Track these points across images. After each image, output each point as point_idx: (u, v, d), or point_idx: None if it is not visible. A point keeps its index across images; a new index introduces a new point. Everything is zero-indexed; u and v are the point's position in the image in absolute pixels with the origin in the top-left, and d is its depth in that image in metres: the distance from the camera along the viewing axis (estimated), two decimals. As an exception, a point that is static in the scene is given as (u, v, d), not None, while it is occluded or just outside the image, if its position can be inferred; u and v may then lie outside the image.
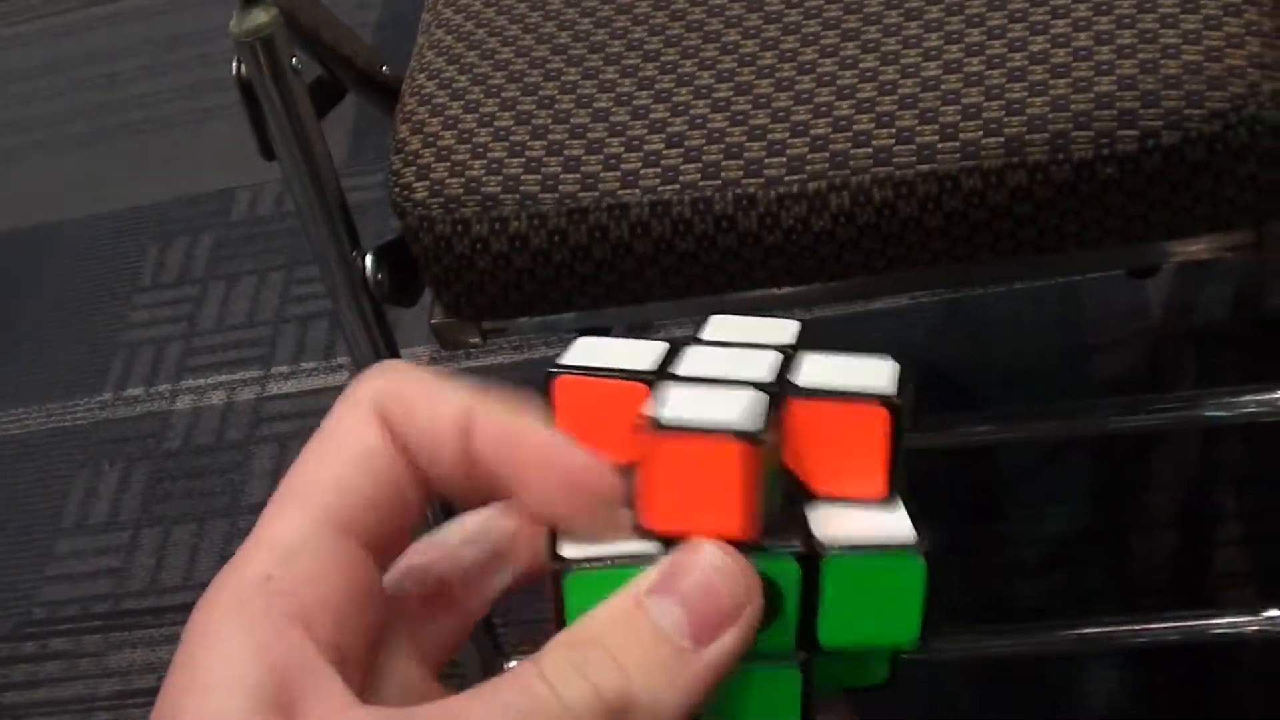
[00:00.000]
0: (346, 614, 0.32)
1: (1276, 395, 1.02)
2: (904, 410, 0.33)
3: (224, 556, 1.35)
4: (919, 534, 0.33)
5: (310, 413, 1.45)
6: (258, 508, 1.26)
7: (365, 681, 0.32)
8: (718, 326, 0.37)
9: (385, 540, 0.33)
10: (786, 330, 0.36)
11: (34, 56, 1.94)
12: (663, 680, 0.30)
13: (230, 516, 1.39)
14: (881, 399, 0.33)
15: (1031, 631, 1.12)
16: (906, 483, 0.33)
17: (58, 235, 1.71)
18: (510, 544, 0.35)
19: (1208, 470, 1.21)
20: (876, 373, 0.34)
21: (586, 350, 0.35)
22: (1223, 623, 1.07)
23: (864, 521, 0.33)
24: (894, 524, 0.33)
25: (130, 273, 1.63)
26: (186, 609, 1.13)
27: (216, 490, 1.42)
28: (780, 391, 0.33)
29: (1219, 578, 1.16)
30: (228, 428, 1.47)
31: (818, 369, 0.34)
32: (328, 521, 0.32)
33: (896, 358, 0.34)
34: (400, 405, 0.33)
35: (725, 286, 0.84)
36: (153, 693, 1.17)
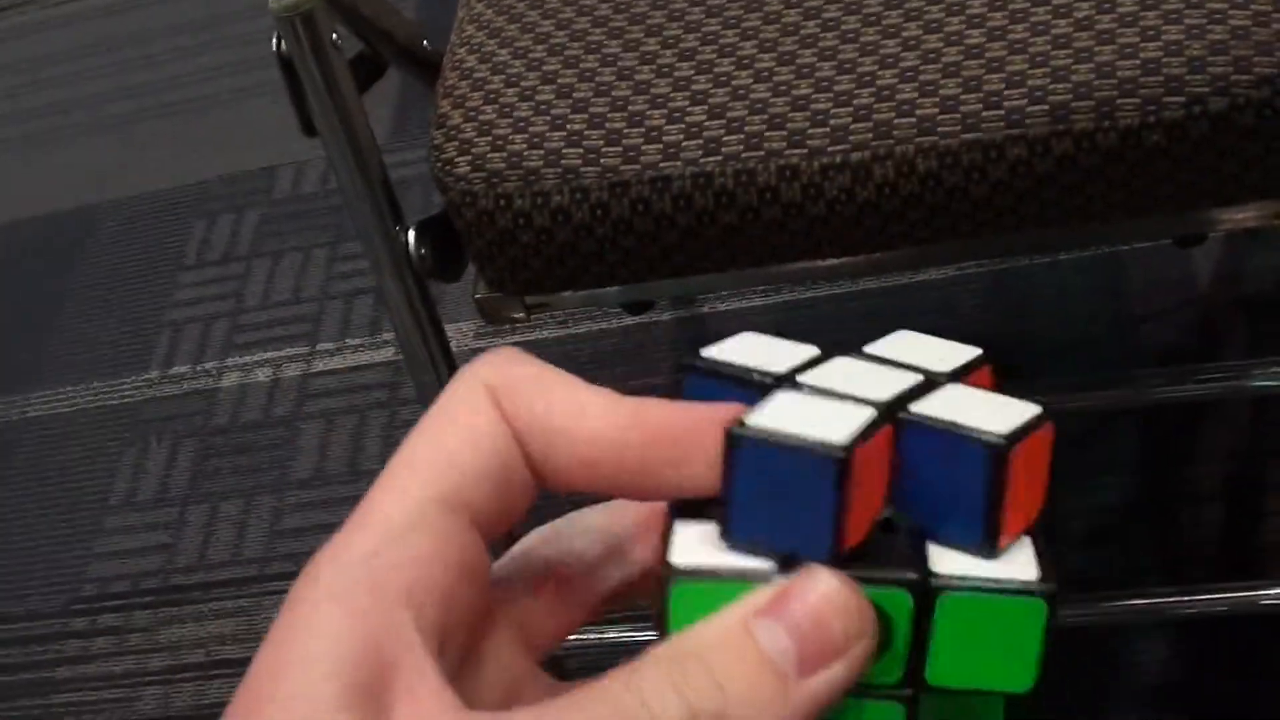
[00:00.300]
0: (454, 595, 0.30)
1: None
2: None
3: (272, 533, 1.36)
4: (1043, 573, 0.30)
5: (356, 388, 1.46)
6: (305, 483, 1.27)
7: (464, 665, 0.31)
8: (892, 343, 0.35)
9: (495, 521, 0.32)
10: (958, 356, 0.34)
11: (73, 38, 1.95)
12: (761, 708, 0.29)
13: (278, 492, 1.40)
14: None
15: (1081, 603, 1.12)
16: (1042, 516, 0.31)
17: (102, 215, 1.72)
18: (629, 541, 0.34)
19: (1255, 441, 1.20)
20: (1007, 414, 0.31)
21: (739, 347, 0.34)
22: (1271, 594, 1.07)
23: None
24: (1018, 559, 0.31)
25: (175, 251, 1.64)
26: (235, 584, 1.14)
27: (263, 466, 1.43)
28: (892, 416, 0.31)
29: (1267, 549, 1.15)
30: (274, 404, 1.47)
31: (945, 401, 0.32)
32: (438, 499, 0.31)
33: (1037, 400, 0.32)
34: (515, 389, 0.32)
35: (769, 258, 0.83)
36: (202, 668, 1.18)
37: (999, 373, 0.32)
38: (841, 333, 1.34)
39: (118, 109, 1.84)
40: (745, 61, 0.83)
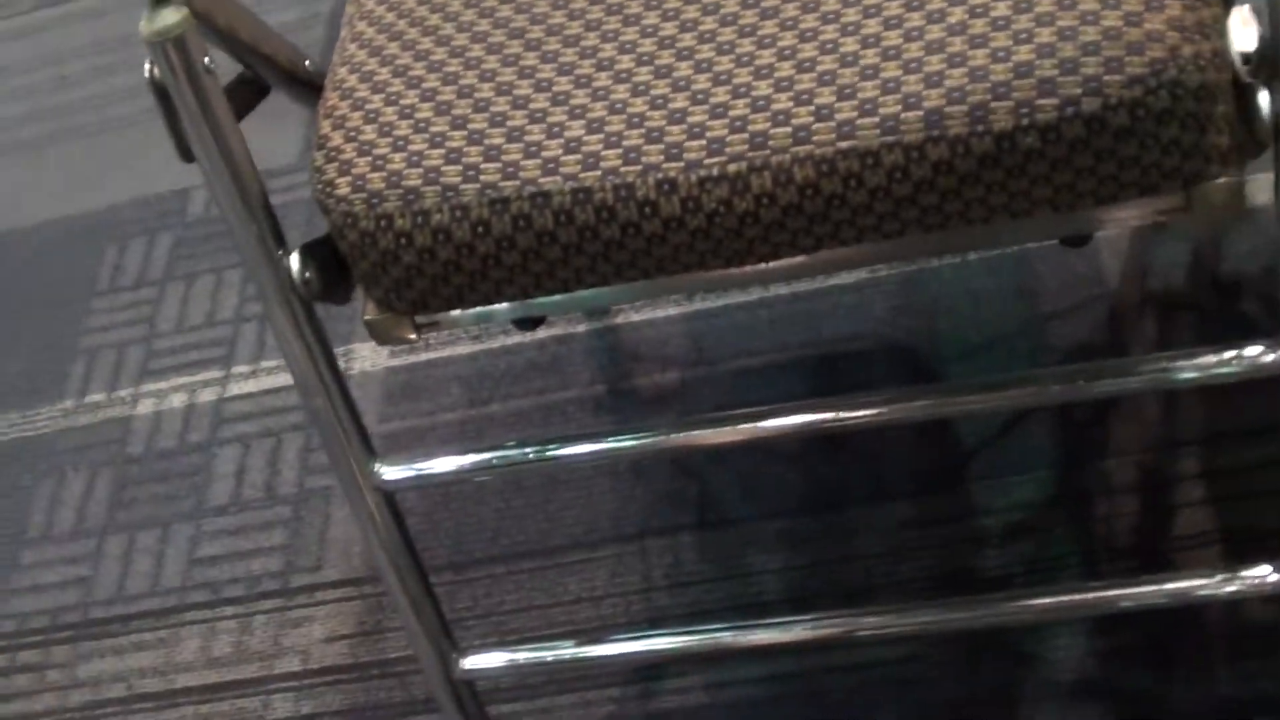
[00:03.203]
0: None
1: (1231, 355, 1.01)
2: None
3: (190, 561, 1.35)
4: None
5: (271, 411, 1.45)
6: (222, 510, 1.25)
7: None
8: None
9: None
10: None
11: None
12: None
13: (195, 519, 1.39)
14: None
15: (997, 601, 1.12)
16: None
17: (11, 242, 1.70)
18: None
19: (1167, 434, 1.20)
20: None
21: None
22: (1187, 585, 1.07)
23: None
24: None
25: (87, 277, 1.62)
26: (154, 615, 1.12)
27: (180, 494, 1.41)
28: None
29: (1182, 540, 1.15)
30: (190, 430, 1.46)
31: None
32: None
33: None
34: None
35: (655, 271, 0.83)
36: (123, 702, 1.16)
37: None
38: (754, 340, 1.34)
39: (28, 132, 1.82)
40: (623, 75, 0.82)
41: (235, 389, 1.48)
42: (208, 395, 1.48)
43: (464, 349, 1.42)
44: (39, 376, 1.56)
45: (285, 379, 1.47)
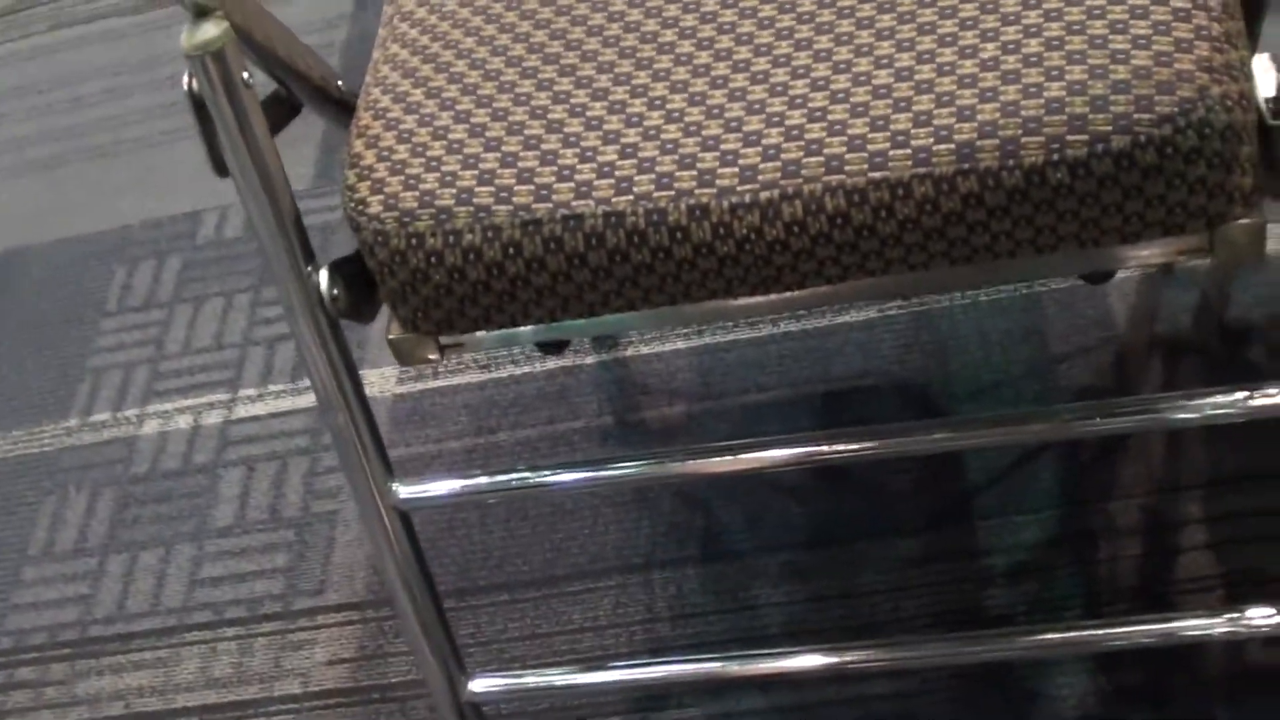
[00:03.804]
0: None
1: (1237, 397, 1.02)
2: None
3: (192, 582, 1.35)
4: None
5: (278, 435, 1.45)
6: (225, 531, 1.26)
7: None
8: None
9: None
10: None
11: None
12: None
13: (197, 540, 1.39)
14: None
15: (1000, 639, 1.12)
16: None
17: (22, 261, 1.70)
18: None
19: (1171, 475, 1.21)
20: None
21: None
22: (1189, 625, 1.07)
23: None
24: None
25: (96, 297, 1.63)
26: (154, 634, 1.13)
27: (184, 515, 1.41)
28: None
29: (1184, 581, 1.16)
30: (194, 451, 1.46)
31: None
32: None
33: None
34: None
35: (682, 297, 0.84)
36: (121, 720, 1.13)
37: None
38: (763, 375, 1.34)
39: (42, 152, 1.82)
40: (657, 102, 0.83)
41: (241, 411, 1.48)
42: (213, 417, 1.48)
43: (472, 377, 1.43)
44: (45, 394, 1.56)
45: (291, 403, 1.47)
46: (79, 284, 1.65)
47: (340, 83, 0.93)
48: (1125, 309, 1.31)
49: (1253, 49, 0.90)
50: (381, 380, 1.44)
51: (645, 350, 1.40)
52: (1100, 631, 1.10)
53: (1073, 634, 1.11)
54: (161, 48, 1.88)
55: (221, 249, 1.63)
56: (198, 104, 0.81)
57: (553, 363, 1.41)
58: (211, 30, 0.79)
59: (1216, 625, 1.06)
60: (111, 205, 1.72)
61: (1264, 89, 0.83)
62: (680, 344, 1.39)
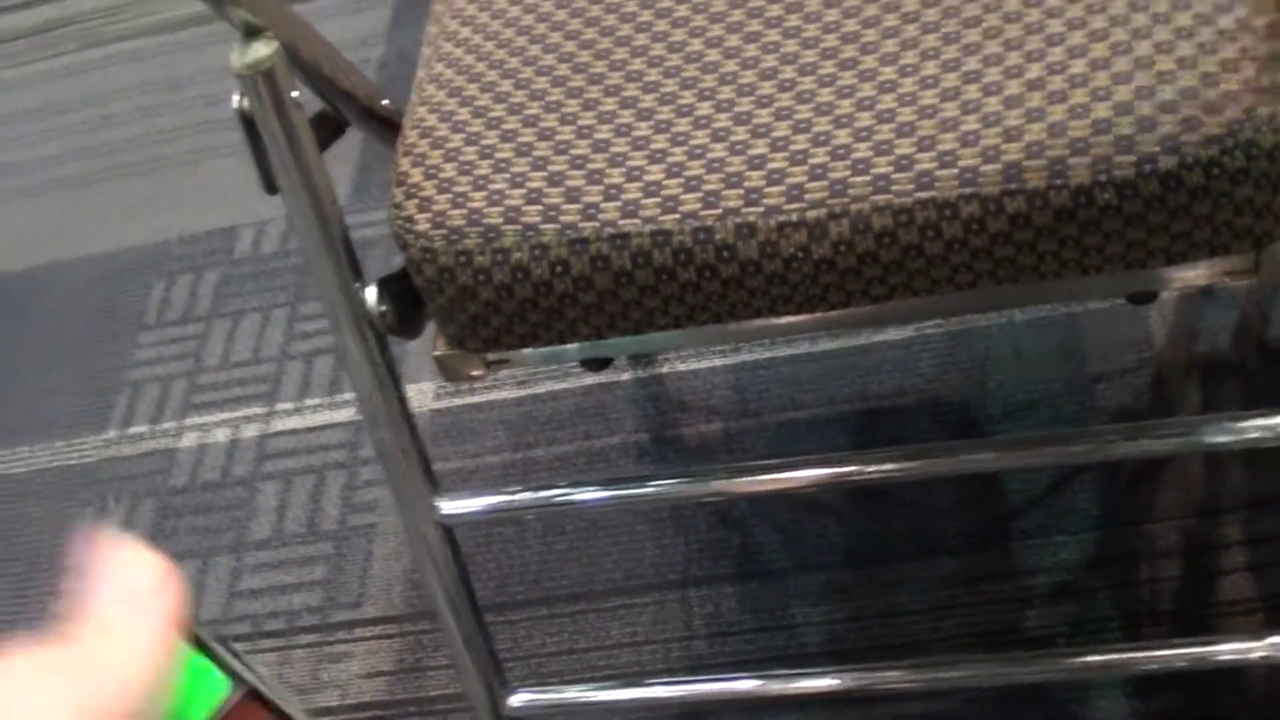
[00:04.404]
0: None
1: (1278, 420, 1.02)
2: None
3: (230, 594, 1.35)
4: None
5: (315, 449, 1.46)
6: (263, 544, 1.27)
7: None
8: None
9: None
10: None
11: (29, 100, 1.95)
12: None
13: (236, 553, 1.39)
14: None
15: (1039, 660, 1.12)
16: None
17: (59, 274, 1.71)
18: None
19: (1211, 497, 1.21)
20: None
21: None
22: (1228, 649, 1.07)
23: None
24: None
25: (135, 311, 1.64)
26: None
27: (222, 527, 1.42)
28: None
29: (1224, 604, 1.15)
30: (233, 464, 1.47)
31: None
32: None
33: None
34: None
35: (728, 315, 0.84)
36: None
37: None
38: (800, 393, 1.35)
39: (77, 169, 1.83)
40: (702, 121, 0.84)
41: (279, 425, 1.49)
42: (251, 431, 1.49)
43: (509, 393, 1.43)
44: (84, 407, 1.57)
45: (328, 416, 1.48)
46: (117, 298, 1.66)
47: (385, 101, 0.94)
48: (1164, 328, 1.31)
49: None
50: (419, 395, 1.45)
51: (682, 367, 1.40)
52: (1140, 654, 1.09)
53: (1112, 656, 1.10)
54: (186, 69, 1.89)
55: (258, 264, 1.64)
56: (248, 122, 0.82)
57: (590, 379, 1.41)
58: (262, 50, 0.80)
59: (1256, 649, 1.05)
60: (143, 222, 1.73)
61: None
62: (717, 361, 1.40)
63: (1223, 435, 1.10)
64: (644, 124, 0.85)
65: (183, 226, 1.71)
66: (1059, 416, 1.28)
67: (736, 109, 0.84)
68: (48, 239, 1.76)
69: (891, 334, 1.36)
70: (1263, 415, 1.02)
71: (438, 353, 0.90)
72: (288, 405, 1.50)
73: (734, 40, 0.87)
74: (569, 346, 0.87)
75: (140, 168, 1.80)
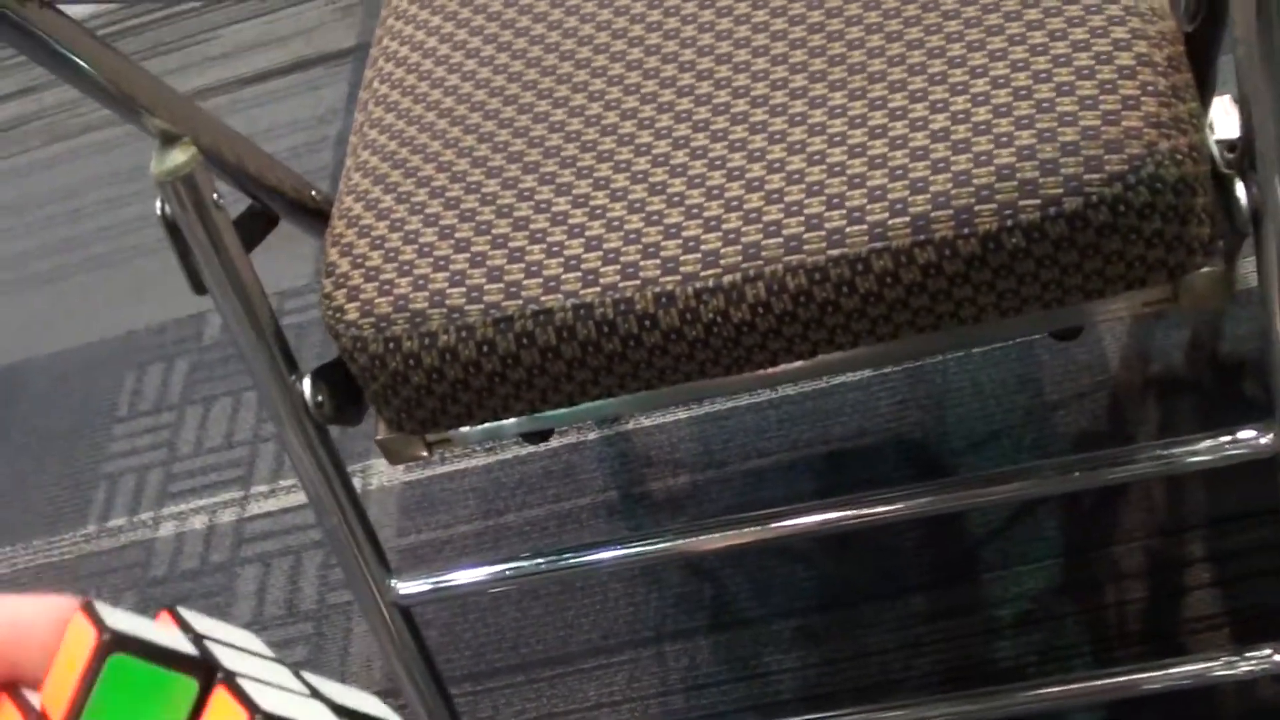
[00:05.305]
0: None
1: (1229, 439, 1.02)
2: None
3: (214, 680, 1.36)
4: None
5: (291, 529, 1.47)
6: (244, 628, 1.26)
7: None
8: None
9: None
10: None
11: (2, 195, 1.97)
12: None
13: (217, 639, 1.40)
14: None
15: (1012, 691, 1.13)
16: None
17: (31, 371, 1.73)
18: None
19: (1174, 517, 1.22)
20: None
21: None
22: (1198, 667, 1.08)
23: None
24: None
25: (108, 404, 1.65)
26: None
27: (204, 615, 1.43)
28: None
29: (1192, 621, 1.16)
30: (210, 551, 1.48)
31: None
32: None
33: None
34: None
35: (658, 381, 0.85)
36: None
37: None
38: (763, 441, 1.35)
39: (43, 265, 1.85)
40: (619, 193, 0.85)
41: (255, 508, 1.50)
42: (228, 515, 1.50)
43: (479, 461, 1.44)
44: (62, 503, 1.58)
45: (302, 497, 1.49)
46: (89, 391, 1.67)
47: (314, 192, 0.95)
48: (1118, 351, 1.32)
49: (1206, 98, 0.91)
50: (390, 470, 1.46)
51: (647, 423, 1.41)
52: (1111, 681, 1.10)
53: (1084, 683, 1.11)
54: (151, 156, 1.91)
55: (227, 349, 1.65)
56: (171, 227, 0.83)
57: (556, 440, 1.42)
58: (179, 156, 0.81)
59: (1225, 665, 1.06)
60: (114, 313, 1.75)
61: (1224, 131, 0.84)
62: (681, 414, 1.41)
63: (1181, 458, 1.11)
64: (562, 199, 0.86)
65: (150, 316, 1.72)
66: (1020, 446, 1.29)
67: (651, 179, 0.85)
68: (23, 335, 1.77)
69: (849, 376, 1.37)
70: (1218, 434, 1.03)
71: (379, 437, 0.91)
72: (263, 488, 1.51)
73: (647, 111, 0.89)
74: (506, 422, 0.88)
75: (110, 259, 1.82)
